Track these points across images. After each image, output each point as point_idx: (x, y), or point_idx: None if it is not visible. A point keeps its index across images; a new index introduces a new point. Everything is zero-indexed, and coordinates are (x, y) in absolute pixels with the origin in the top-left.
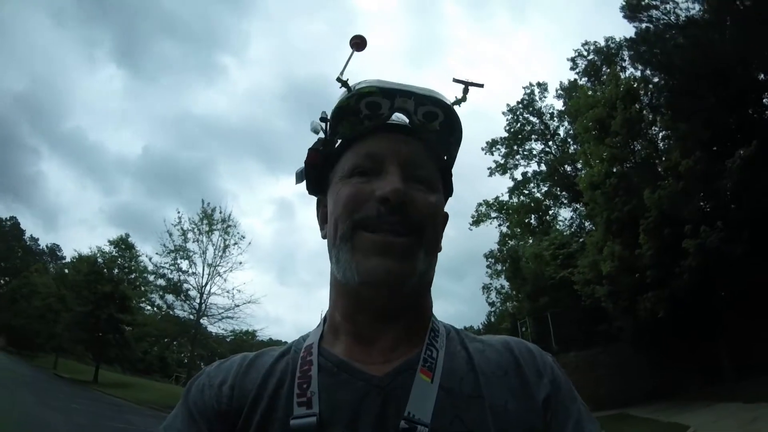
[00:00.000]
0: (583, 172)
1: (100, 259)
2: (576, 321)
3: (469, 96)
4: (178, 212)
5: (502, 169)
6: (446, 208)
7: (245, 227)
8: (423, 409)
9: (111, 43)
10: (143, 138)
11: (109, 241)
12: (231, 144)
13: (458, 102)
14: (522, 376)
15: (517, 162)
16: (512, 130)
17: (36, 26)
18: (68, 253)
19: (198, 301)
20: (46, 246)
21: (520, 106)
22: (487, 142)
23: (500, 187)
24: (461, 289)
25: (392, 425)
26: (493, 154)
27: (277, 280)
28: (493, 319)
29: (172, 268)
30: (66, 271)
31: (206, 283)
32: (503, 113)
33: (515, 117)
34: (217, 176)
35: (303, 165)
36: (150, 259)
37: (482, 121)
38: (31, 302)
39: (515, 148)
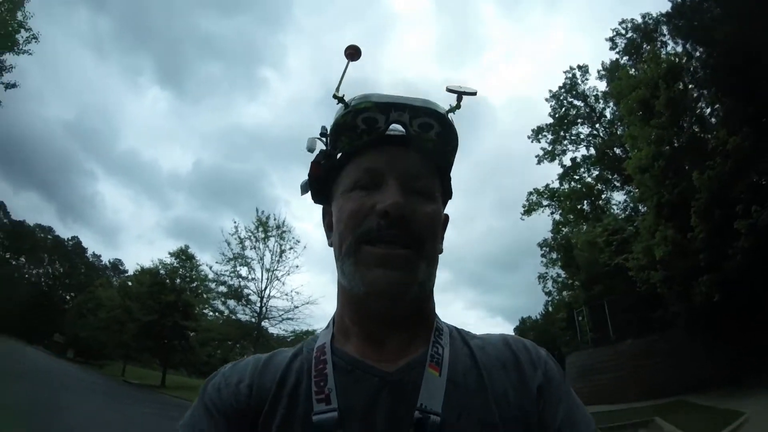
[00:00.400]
0: (630, 155)
1: (162, 271)
2: (632, 308)
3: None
4: (235, 222)
5: (550, 155)
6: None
7: (299, 231)
8: (434, 401)
9: (152, 68)
10: (193, 153)
11: (169, 253)
12: (278, 152)
13: (453, 110)
14: (519, 369)
15: (565, 147)
16: (557, 115)
17: (81, 61)
18: (130, 267)
19: (258, 304)
20: (109, 261)
21: (563, 90)
22: (532, 130)
23: (550, 174)
24: (517, 280)
25: (406, 417)
26: (540, 142)
27: (332, 280)
28: (550, 309)
29: (232, 275)
30: (129, 283)
31: (265, 288)
32: (546, 100)
33: (559, 102)
34: (268, 184)
35: (307, 177)
36: (210, 267)
37: (529, 112)
38: (97, 315)
39: (562, 133)
